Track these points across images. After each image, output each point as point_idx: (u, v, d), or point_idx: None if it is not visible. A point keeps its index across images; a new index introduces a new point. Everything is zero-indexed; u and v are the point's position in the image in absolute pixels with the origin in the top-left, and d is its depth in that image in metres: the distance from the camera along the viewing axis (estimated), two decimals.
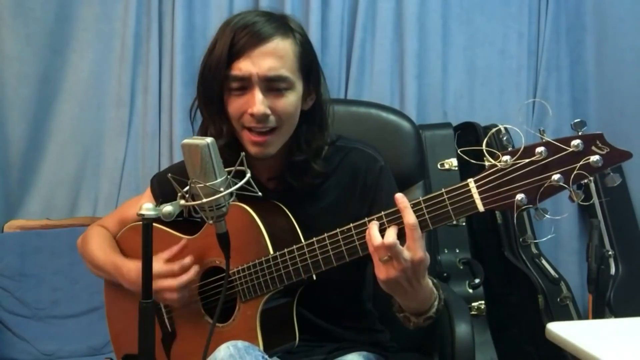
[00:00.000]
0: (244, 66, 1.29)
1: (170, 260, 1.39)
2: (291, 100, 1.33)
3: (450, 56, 2.48)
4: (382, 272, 1.17)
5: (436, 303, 1.29)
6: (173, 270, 1.36)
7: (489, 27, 2.50)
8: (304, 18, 2.33)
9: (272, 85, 1.30)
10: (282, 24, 1.33)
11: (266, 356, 1.27)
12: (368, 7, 2.37)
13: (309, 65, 1.36)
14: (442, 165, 2.28)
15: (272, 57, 1.29)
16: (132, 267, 1.42)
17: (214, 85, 1.32)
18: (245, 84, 1.30)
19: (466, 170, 2.24)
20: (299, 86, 1.34)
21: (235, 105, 1.32)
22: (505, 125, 2.28)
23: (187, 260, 1.37)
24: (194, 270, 1.38)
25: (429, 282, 1.26)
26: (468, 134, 2.38)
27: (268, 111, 1.30)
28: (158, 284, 1.34)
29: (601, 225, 2.36)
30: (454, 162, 2.27)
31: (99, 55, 2.33)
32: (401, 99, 2.42)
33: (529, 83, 2.53)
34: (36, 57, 2.29)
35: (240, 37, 1.29)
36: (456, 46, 2.49)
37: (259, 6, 2.31)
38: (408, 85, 2.40)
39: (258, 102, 1.29)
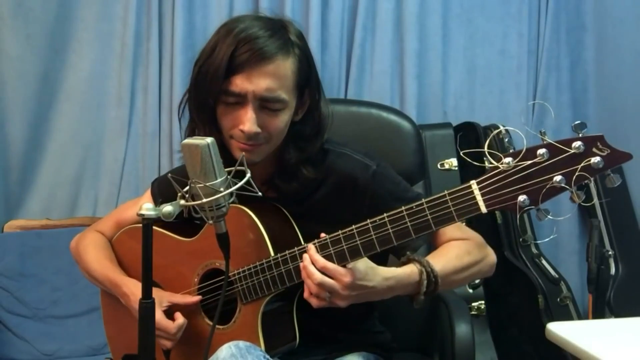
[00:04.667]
0: (241, 83, 1.27)
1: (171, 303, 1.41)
2: (283, 119, 1.33)
3: (450, 56, 2.48)
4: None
5: (424, 279, 1.25)
6: (169, 329, 1.37)
7: (489, 27, 2.50)
8: (304, 18, 2.32)
9: (267, 105, 1.30)
10: (284, 40, 1.31)
11: (267, 356, 1.27)
12: (368, 7, 2.37)
13: (306, 77, 1.35)
14: (442, 165, 2.27)
15: (272, 78, 1.28)
16: (134, 292, 1.41)
17: (209, 96, 1.31)
18: (240, 100, 1.29)
19: (466, 170, 2.24)
20: (293, 103, 1.34)
21: (227, 117, 1.32)
22: (506, 127, 2.31)
23: (181, 320, 1.39)
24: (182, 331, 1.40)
25: (394, 274, 1.25)
26: (468, 134, 2.38)
27: (259, 130, 1.30)
28: None
29: (601, 225, 2.36)
30: (454, 162, 2.27)
31: (99, 55, 2.33)
32: (401, 99, 2.42)
33: (529, 83, 2.53)
34: (36, 57, 2.29)
35: (241, 51, 1.27)
36: (456, 46, 2.49)
37: (259, 6, 2.30)
38: (408, 85, 2.40)
39: (250, 121, 1.28)
